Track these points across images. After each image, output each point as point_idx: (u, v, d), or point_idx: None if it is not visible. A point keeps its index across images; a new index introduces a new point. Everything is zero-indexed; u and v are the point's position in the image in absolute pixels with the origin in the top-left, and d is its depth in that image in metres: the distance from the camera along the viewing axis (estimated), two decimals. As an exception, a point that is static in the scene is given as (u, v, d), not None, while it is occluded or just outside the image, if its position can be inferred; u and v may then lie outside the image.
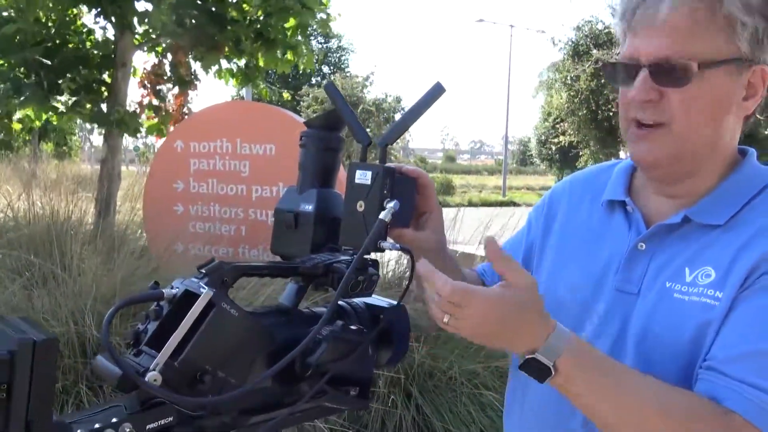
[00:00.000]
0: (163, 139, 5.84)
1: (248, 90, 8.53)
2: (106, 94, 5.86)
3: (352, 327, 0.79)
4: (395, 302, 0.88)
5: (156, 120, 6.39)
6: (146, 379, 0.65)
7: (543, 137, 31.34)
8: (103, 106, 5.81)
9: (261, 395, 0.75)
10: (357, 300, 0.88)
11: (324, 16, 6.32)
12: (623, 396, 0.84)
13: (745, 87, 0.94)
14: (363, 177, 0.87)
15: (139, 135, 6.04)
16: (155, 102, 6.44)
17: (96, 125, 5.67)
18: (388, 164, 0.88)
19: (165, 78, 6.35)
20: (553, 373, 0.82)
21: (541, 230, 1.17)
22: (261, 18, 5.98)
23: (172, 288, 0.73)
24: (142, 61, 6.48)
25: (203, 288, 0.70)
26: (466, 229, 4.33)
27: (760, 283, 0.89)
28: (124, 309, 0.69)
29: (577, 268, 1.07)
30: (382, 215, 0.83)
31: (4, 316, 0.59)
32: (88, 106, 5.83)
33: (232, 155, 4.48)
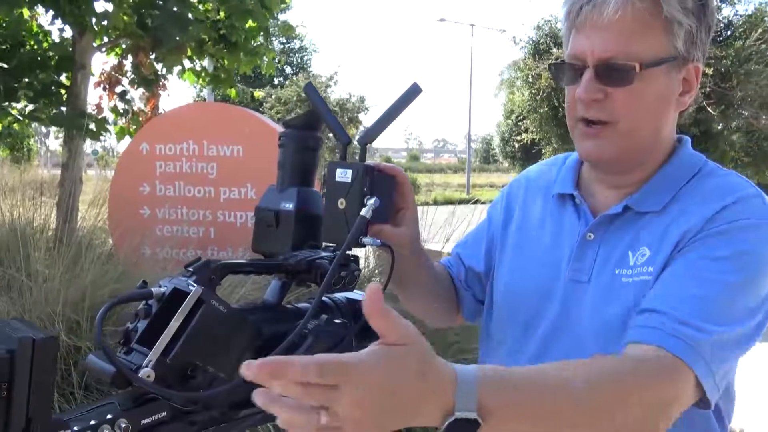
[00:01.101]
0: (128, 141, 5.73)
1: (209, 91, 8.44)
2: (65, 97, 5.74)
3: (336, 321, 0.81)
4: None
5: (124, 124, 6.27)
6: (140, 375, 0.66)
7: (505, 135, 31.61)
8: (63, 110, 5.69)
9: (250, 389, 0.77)
10: (338, 295, 0.90)
11: (287, 20, 6.33)
12: (547, 411, 0.73)
13: (681, 83, 1.00)
14: (343, 175, 0.89)
15: (101, 138, 5.93)
16: (120, 105, 6.32)
17: (55, 128, 5.54)
18: (367, 162, 0.91)
19: (129, 79, 6.24)
20: (482, 421, 0.66)
21: (500, 225, 1.20)
22: (224, 20, 5.93)
23: (160, 287, 0.74)
24: (101, 62, 6.35)
25: (192, 286, 0.72)
26: (432, 227, 4.37)
27: (686, 248, 0.94)
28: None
29: (535, 261, 1.11)
30: (363, 212, 0.86)
31: (1, 318, 0.60)
32: (44, 112, 5.70)
33: (198, 157, 4.43)
